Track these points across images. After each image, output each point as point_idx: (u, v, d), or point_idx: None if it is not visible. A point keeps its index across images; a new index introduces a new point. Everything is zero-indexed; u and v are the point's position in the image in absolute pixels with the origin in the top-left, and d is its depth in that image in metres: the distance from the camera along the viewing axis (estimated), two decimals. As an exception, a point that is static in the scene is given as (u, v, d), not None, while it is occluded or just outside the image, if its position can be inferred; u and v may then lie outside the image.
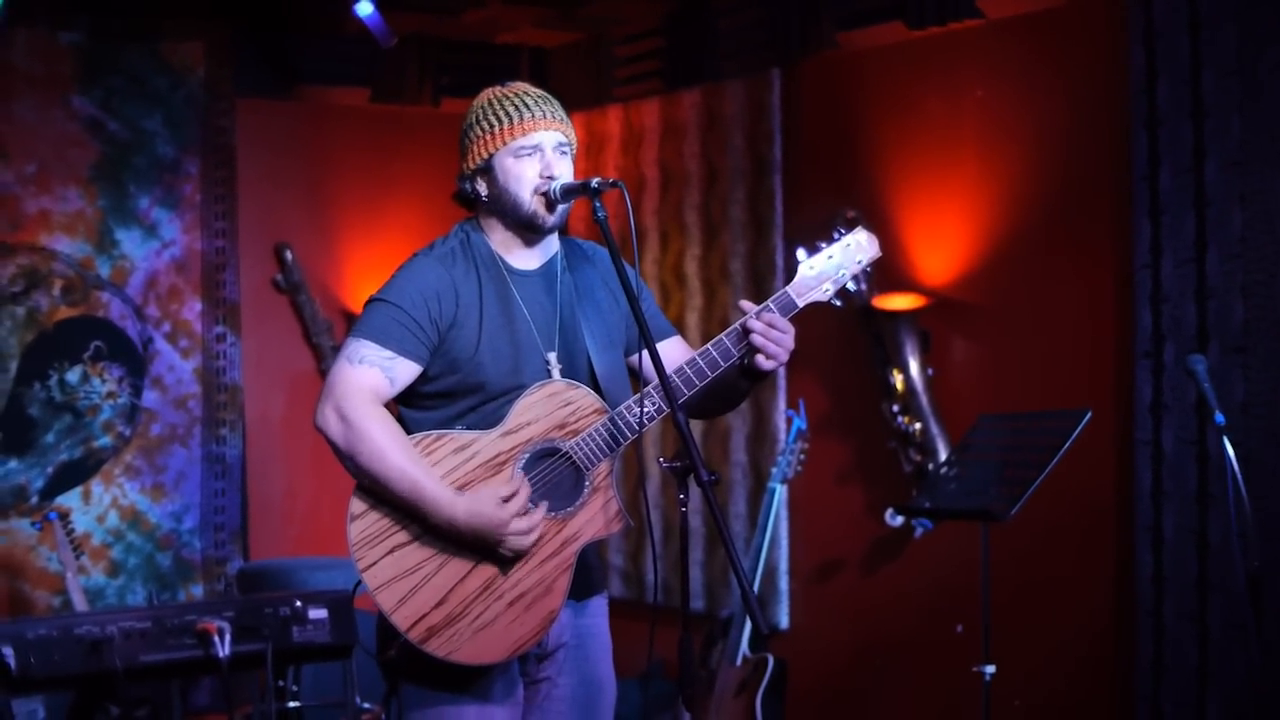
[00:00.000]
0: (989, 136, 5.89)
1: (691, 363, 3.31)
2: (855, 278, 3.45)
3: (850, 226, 3.55)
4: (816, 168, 6.56)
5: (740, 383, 3.43)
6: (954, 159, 6.00)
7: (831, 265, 3.40)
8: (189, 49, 6.93)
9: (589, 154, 7.41)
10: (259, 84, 7.20)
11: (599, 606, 3.58)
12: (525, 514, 3.27)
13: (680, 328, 6.92)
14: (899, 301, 6.03)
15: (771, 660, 5.95)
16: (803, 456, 6.10)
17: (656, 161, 7.18)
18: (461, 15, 7.06)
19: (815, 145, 6.58)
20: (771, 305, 3.33)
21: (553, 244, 3.53)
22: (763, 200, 6.66)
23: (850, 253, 3.42)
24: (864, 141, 6.33)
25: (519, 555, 3.30)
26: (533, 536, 3.28)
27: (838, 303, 3.45)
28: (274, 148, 7.31)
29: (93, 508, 6.68)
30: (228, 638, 4.21)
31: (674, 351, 3.53)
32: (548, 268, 3.51)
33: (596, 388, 3.44)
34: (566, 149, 3.46)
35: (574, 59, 7.62)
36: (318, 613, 4.39)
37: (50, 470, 6.61)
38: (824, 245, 3.40)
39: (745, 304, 3.34)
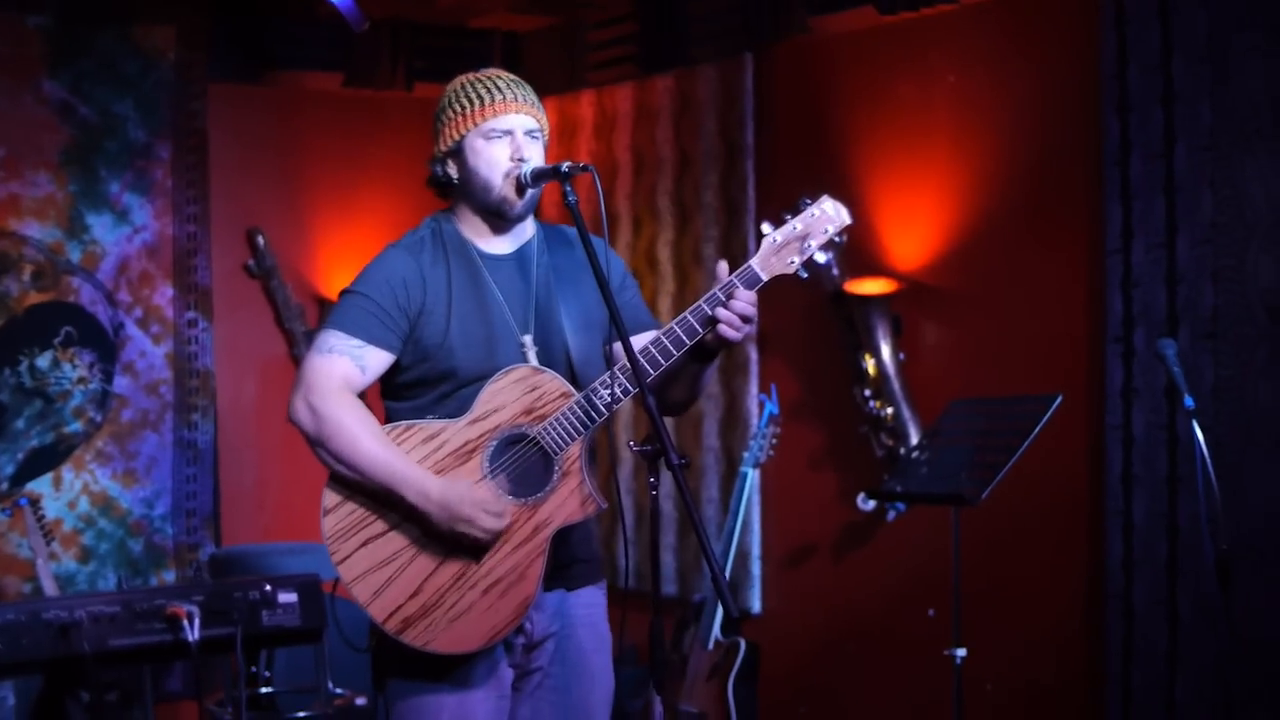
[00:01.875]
0: (961, 121, 5.90)
1: (656, 342, 3.28)
2: (824, 248, 3.36)
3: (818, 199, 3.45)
4: (789, 152, 6.56)
5: (693, 365, 3.39)
6: (926, 144, 6.00)
7: (797, 235, 3.33)
8: (161, 33, 6.89)
9: (562, 139, 7.41)
10: (231, 69, 7.16)
11: (593, 598, 3.57)
12: (498, 499, 3.28)
13: (652, 312, 6.90)
14: (871, 286, 6.04)
15: (744, 644, 5.96)
16: (774, 441, 6.11)
17: (629, 146, 7.18)
18: (434, -1, 7.06)
19: (788, 130, 6.58)
20: (735, 281, 3.29)
21: (528, 227, 3.53)
22: (735, 185, 6.66)
23: (817, 222, 3.34)
24: (836, 126, 6.33)
25: (491, 541, 3.30)
26: (505, 520, 3.28)
27: (804, 274, 3.39)
28: (246, 133, 7.28)
29: (64, 494, 6.66)
30: (197, 622, 4.19)
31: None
32: (523, 251, 3.51)
33: (572, 371, 3.43)
34: (538, 135, 3.46)
35: (547, 44, 7.60)
36: (287, 597, 4.39)
37: (21, 456, 6.58)
38: (789, 216, 3.34)
39: (721, 265, 3.31)
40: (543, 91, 3.56)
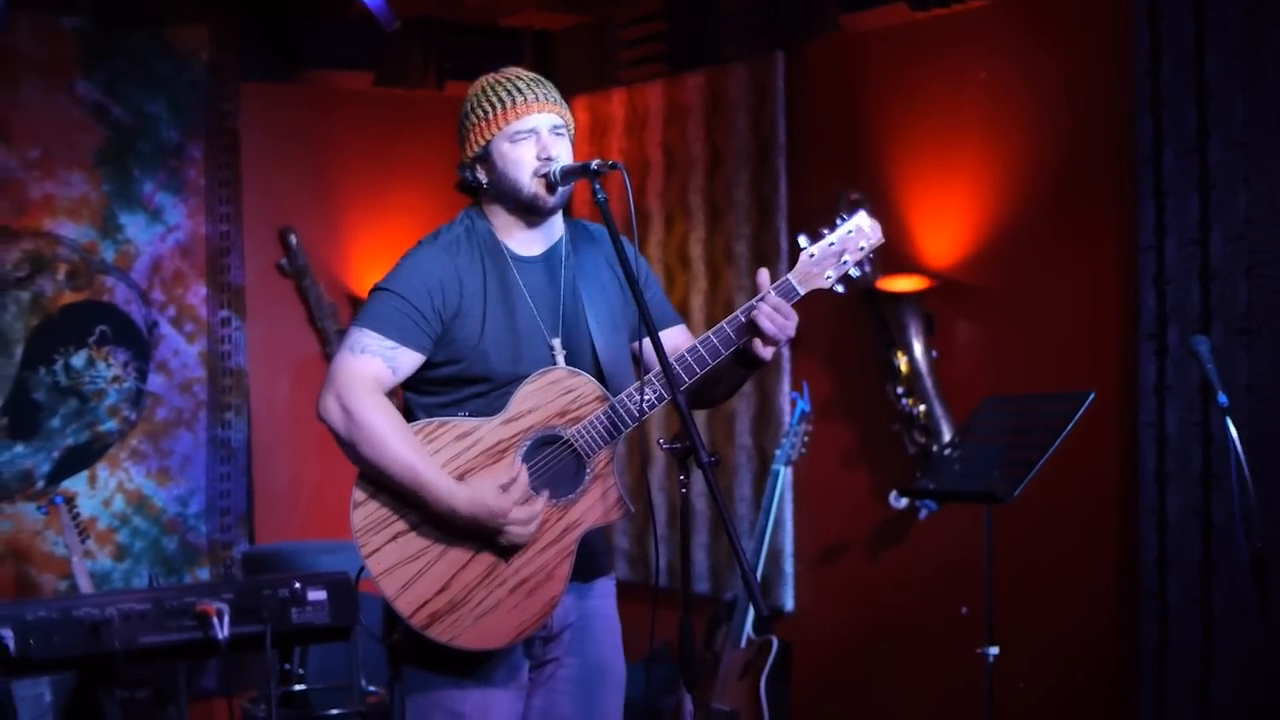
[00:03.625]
0: (993, 118, 5.87)
1: (693, 350, 3.32)
2: (859, 264, 3.41)
3: (853, 209, 3.49)
4: (820, 150, 6.54)
5: (737, 370, 3.43)
6: (958, 141, 5.98)
7: (833, 251, 3.38)
8: (193, 33, 6.93)
9: (593, 137, 7.40)
10: (263, 68, 7.20)
11: (606, 589, 3.59)
12: (525, 503, 3.28)
13: (684, 311, 6.91)
14: (903, 283, 6.02)
15: (776, 643, 5.95)
16: (807, 439, 6.10)
17: (660, 144, 7.17)
18: (465, -2, 7.07)
19: (819, 127, 6.56)
20: (772, 291, 3.33)
21: (557, 227, 3.54)
22: (767, 183, 6.65)
23: (853, 239, 3.39)
24: (868, 123, 6.32)
25: (517, 546, 3.31)
26: (532, 527, 3.30)
27: (840, 289, 3.43)
28: (278, 132, 7.31)
29: (99, 492, 6.69)
30: (226, 619, 4.21)
31: (677, 339, 3.55)
32: (552, 252, 3.52)
33: (600, 372, 3.44)
34: (562, 130, 3.46)
35: (578, 42, 7.60)
36: (317, 594, 4.39)
37: (56, 455, 6.62)
38: (826, 231, 3.38)
39: (762, 273, 3.35)
40: (573, 90, 3.58)
